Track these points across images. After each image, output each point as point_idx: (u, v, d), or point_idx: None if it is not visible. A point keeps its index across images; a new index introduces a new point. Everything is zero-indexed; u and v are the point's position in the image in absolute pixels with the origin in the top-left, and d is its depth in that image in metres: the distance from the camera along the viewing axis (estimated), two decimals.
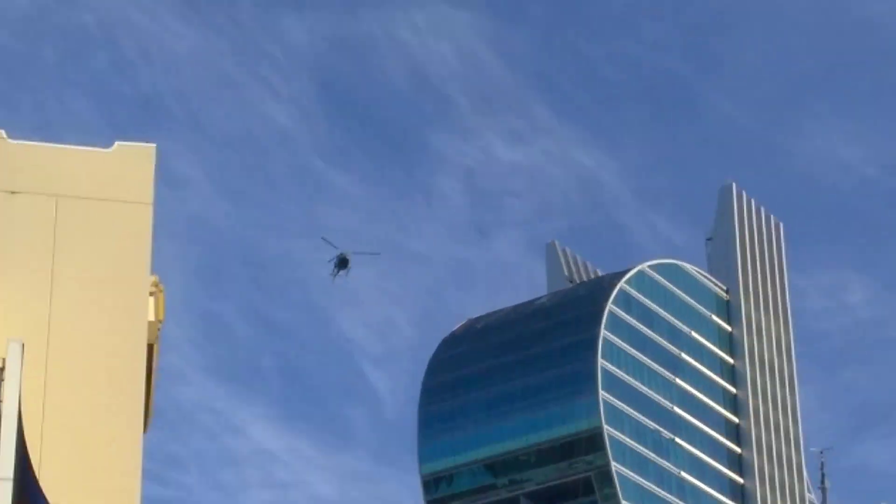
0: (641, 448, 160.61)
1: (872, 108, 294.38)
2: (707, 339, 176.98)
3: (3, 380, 38.84)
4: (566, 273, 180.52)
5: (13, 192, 41.60)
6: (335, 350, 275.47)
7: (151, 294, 42.93)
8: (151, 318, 42.84)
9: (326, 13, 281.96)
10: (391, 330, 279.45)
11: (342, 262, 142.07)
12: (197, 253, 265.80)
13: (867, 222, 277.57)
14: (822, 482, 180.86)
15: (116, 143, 43.68)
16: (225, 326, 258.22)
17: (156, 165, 43.22)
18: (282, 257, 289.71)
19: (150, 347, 43.28)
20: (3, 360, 38.79)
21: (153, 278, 43.11)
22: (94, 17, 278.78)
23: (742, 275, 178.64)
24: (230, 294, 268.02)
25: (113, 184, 42.37)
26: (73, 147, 43.73)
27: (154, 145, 43.09)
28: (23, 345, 36.25)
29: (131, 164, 42.71)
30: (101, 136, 45.98)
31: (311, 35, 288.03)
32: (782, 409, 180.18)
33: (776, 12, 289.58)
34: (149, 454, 45.73)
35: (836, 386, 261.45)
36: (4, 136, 42.99)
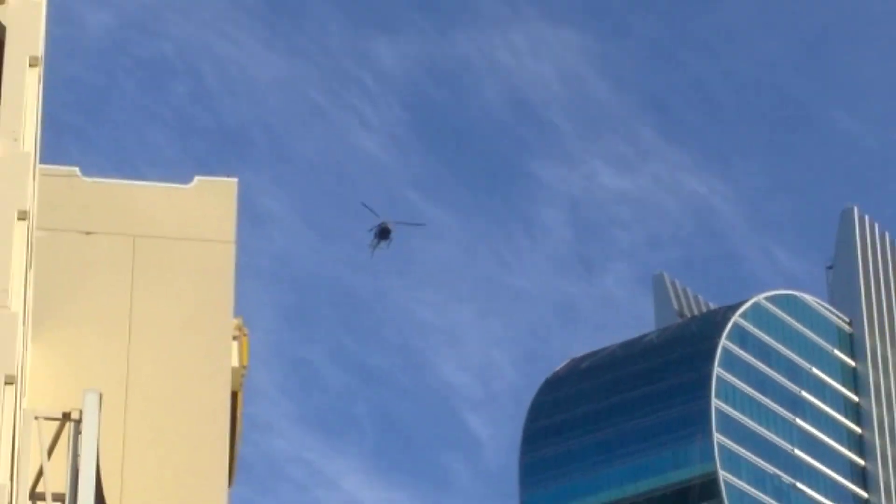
0: (760, 494, 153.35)
1: None
2: (829, 376, 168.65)
3: (79, 433, 37.39)
4: (676, 307, 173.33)
5: (88, 233, 40.25)
6: (432, 395, 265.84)
7: (235, 338, 40.99)
8: (235, 363, 40.78)
9: (418, 36, 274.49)
10: (492, 372, 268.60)
11: (384, 233, 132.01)
12: (283, 293, 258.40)
13: None
14: None
15: (196, 178, 42.21)
16: (314, 372, 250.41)
17: (238, 201, 41.92)
18: (375, 297, 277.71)
19: (235, 395, 41.38)
20: (80, 412, 38.05)
21: (237, 321, 41.24)
22: (174, 46, 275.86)
23: (866, 305, 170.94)
24: (320, 337, 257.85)
25: (193, 222, 40.78)
26: (150, 184, 42.38)
27: (236, 179, 41.60)
28: (100, 395, 34.77)
29: (212, 200, 41.14)
30: (181, 171, 44.31)
31: (402, 60, 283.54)
32: None
33: None
34: None
35: None
36: (79, 173, 42.27)
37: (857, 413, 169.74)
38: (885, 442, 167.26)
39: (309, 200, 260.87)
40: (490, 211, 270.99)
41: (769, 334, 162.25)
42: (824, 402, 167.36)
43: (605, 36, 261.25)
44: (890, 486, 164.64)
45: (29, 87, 36.17)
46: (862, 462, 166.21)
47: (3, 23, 38.52)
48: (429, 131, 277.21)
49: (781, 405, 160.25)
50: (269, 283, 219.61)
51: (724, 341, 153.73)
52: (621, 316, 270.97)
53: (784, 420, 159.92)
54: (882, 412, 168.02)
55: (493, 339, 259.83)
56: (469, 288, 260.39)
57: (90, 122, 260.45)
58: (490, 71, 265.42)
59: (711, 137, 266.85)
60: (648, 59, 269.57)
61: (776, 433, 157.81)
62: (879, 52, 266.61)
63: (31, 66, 35.69)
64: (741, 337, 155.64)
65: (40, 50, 37.44)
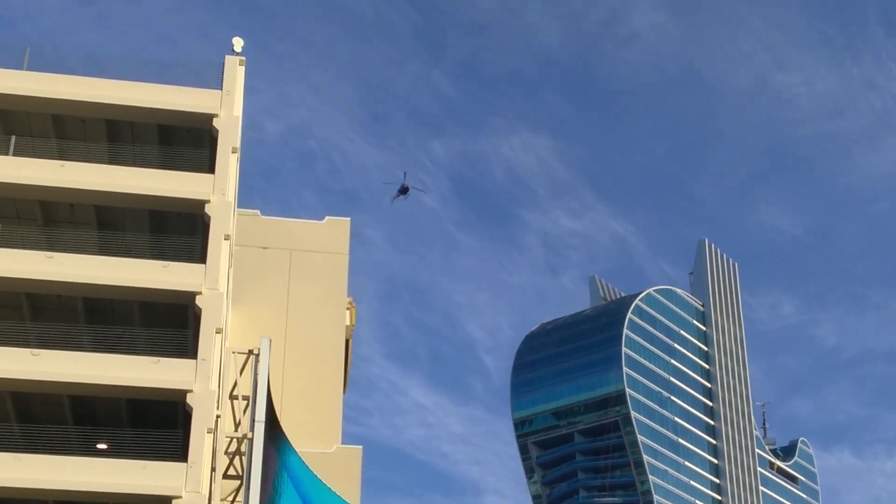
0: (650, 402, 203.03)
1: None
2: (689, 335, 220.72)
3: (258, 362, 44.04)
4: (601, 295, 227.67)
5: (264, 248, 51.26)
6: (463, 343, 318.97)
7: (347, 308, 51.51)
8: (348, 323, 51.35)
9: (457, 139, 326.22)
10: (497, 331, 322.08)
11: (404, 190, 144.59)
12: (378, 283, 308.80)
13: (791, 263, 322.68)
14: (763, 425, 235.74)
15: (327, 217, 52.92)
16: (395, 329, 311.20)
17: (351, 231, 52.94)
18: (430, 287, 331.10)
19: (347, 342, 51.43)
20: (259, 349, 44.55)
21: (349, 299, 51.74)
22: (318, 142, 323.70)
23: (711, 294, 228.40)
24: (398, 309, 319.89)
25: (324, 241, 52.01)
26: (300, 220, 53.09)
27: (349, 219, 52.98)
28: (270, 340, 45.24)
29: (335, 229, 52.48)
30: (319, 212, 56.70)
31: (448, 151, 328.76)
32: (738, 377, 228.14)
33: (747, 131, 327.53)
34: (347, 406, 52.60)
35: (775, 364, 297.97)
36: (259, 213, 52.17)
37: (706, 356, 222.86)
38: (722, 371, 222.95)
39: (393, 232, 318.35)
40: (497, 238, 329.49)
41: (655, 310, 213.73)
42: (686, 349, 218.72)
43: (563, 140, 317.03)
44: (726, 399, 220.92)
45: (231, 165, 45.20)
46: (708, 384, 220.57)
47: (217, 127, 45.00)
48: (463, 193, 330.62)
49: (661, 351, 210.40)
50: (370, 278, 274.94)
51: (629, 315, 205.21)
52: (571, 300, 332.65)
53: (663, 360, 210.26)
54: (720, 355, 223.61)
55: (497, 312, 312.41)
56: (485, 282, 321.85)
57: (268, 184, 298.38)
58: (498, 159, 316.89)
59: (626, 198, 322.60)
60: (588, 154, 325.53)
61: (657, 367, 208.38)
62: (736, 128, 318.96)
63: (232, 153, 45.25)
64: (639, 312, 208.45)
65: (238, 143, 45.90)
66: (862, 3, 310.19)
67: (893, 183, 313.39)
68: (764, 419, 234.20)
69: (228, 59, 45.58)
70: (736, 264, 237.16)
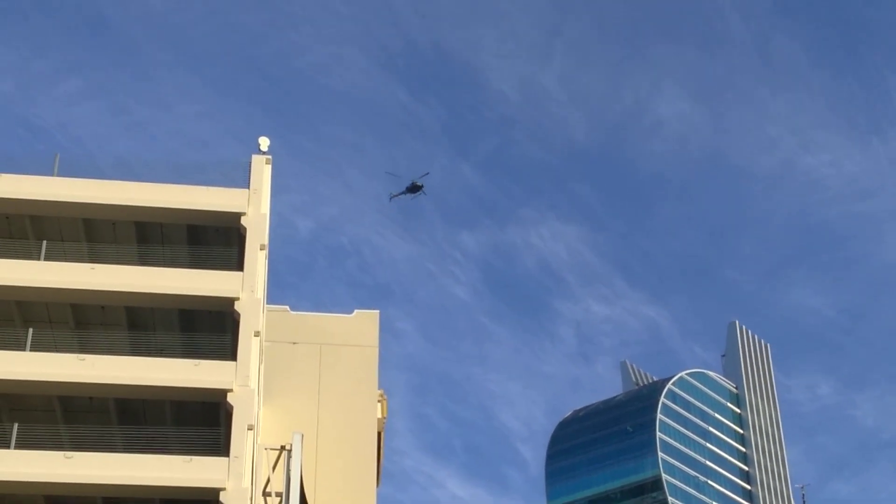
0: (687, 488, 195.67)
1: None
2: (724, 418, 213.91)
3: (290, 457, 46.61)
4: (633, 380, 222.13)
5: (294, 343, 50.82)
6: (498, 434, 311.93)
7: (379, 401, 50.79)
8: (380, 415, 50.62)
9: (487, 231, 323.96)
10: (531, 420, 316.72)
11: (415, 189, 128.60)
12: (410, 376, 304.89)
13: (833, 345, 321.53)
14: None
15: (356, 310, 52.52)
16: (428, 421, 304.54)
17: (381, 324, 52.23)
18: (464, 378, 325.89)
19: (379, 435, 50.71)
20: (291, 445, 43.86)
21: (380, 391, 51.03)
22: (348, 239, 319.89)
23: (745, 377, 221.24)
24: (432, 401, 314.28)
25: (354, 335, 51.60)
26: (330, 314, 52.99)
27: (378, 311, 52.51)
28: (302, 435, 44.56)
29: (365, 322, 51.99)
30: (349, 306, 56.41)
31: (478, 244, 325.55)
32: (776, 459, 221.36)
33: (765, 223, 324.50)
34: (382, 500, 52.06)
35: (814, 445, 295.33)
36: (289, 309, 51.72)
37: (742, 439, 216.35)
38: (759, 453, 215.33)
39: (425, 324, 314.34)
40: (529, 328, 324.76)
41: (689, 394, 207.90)
42: (722, 432, 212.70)
43: (592, 229, 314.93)
44: (764, 482, 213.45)
45: (260, 262, 45.03)
46: (746, 468, 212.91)
47: (245, 225, 44.78)
48: (494, 284, 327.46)
49: (696, 435, 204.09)
50: (402, 370, 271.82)
51: (662, 399, 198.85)
52: (605, 386, 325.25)
53: (698, 444, 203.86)
54: (756, 437, 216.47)
55: (531, 401, 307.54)
56: (518, 371, 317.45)
57: (300, 280, 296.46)
58: (528, 249, 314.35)
59: (657, 283, 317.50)
60: (618, 242, 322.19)
61: (693, 451, 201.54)
62: (746, 236, 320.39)
63: (261, 250, 45.00)
64: (672, 396, 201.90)
65: (266, 240, 45.75)
66: (885, 83, 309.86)
67: None
68: (804, 501, 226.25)
69: (255, 158, 45.88)
70: (768, 345, 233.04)
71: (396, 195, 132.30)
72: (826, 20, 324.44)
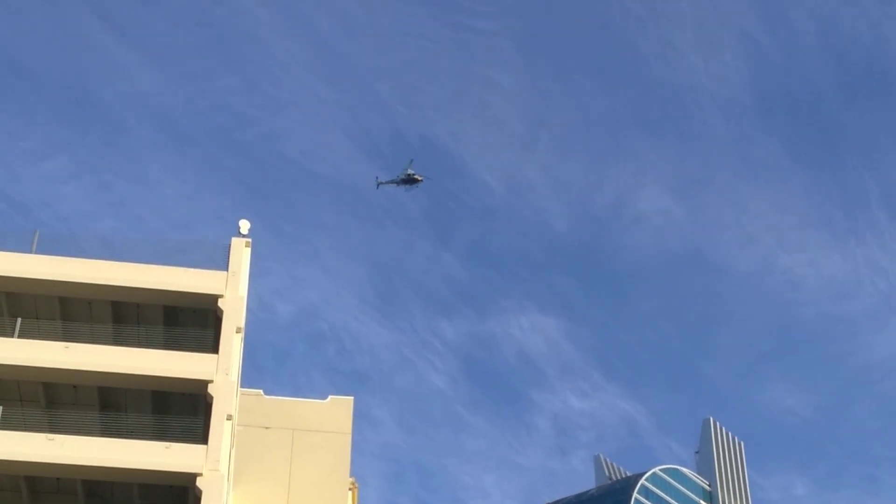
0: None
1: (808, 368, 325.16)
2: None
3: None
4: (607, 474, 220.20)
5: (267, 428, 49.97)
6: None
7: (350, 489, 49.75)
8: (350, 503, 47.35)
9: (466, 320, 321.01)
10: None
11: (411, 180, 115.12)
12: (386, 464, 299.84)
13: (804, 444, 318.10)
14: None
15: (330, 396, 51.54)
16: None
17: (355, 411, 51.08)
18: (438, 469, 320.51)
19: None
20: None
21: (352, 479, 50.00)
22: (327, 323, 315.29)
23: (717, 473, 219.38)
24: (406, 490, 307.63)
25: (327, 421, 50.59)
26: (304, 400, 51.62)
27: (352, 398, 51.44)
28: None
29: (339, 409, 51.03)
30: (324, 392, 55.09)
31: (457, 333, 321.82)
32: None
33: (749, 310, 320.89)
34: None
35: None
36: (262, 392, 50.67)
37: None
38: None
39: (402, 412, 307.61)
40: (506, 419, 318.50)
41: (661, 490, 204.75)
42: None
43: (572, 321, 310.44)
44: None
45: (235, 345, 44.05)
46: None
47: (222, 307, 43.93)
48: (472, 374, 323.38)
49: None
50: (377, 458, 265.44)
51: (635, 495, 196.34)
52: (580, 480, 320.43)
53: None
54: None
55: (506, 493, 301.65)
56: (493, 463, 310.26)
57: (277, 365, 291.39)
58: (507, 340, 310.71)
59: (635, 377, 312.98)
60: (597, 334, 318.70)
61: None
62: (734, 326, 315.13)
63: (237, 333, 44.14)
64: (645, 492, 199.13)
65: (242, 323, 45.00)
66: (864, 186, 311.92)
67: None
68: None
69: (235, 240, 45.44)
70: (742, 443, 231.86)
71: (385, 183, 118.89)
72: (806, 121, 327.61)
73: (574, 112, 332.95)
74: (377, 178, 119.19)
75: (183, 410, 43.50)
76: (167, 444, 40.95)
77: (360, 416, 49.48)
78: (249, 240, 45.79)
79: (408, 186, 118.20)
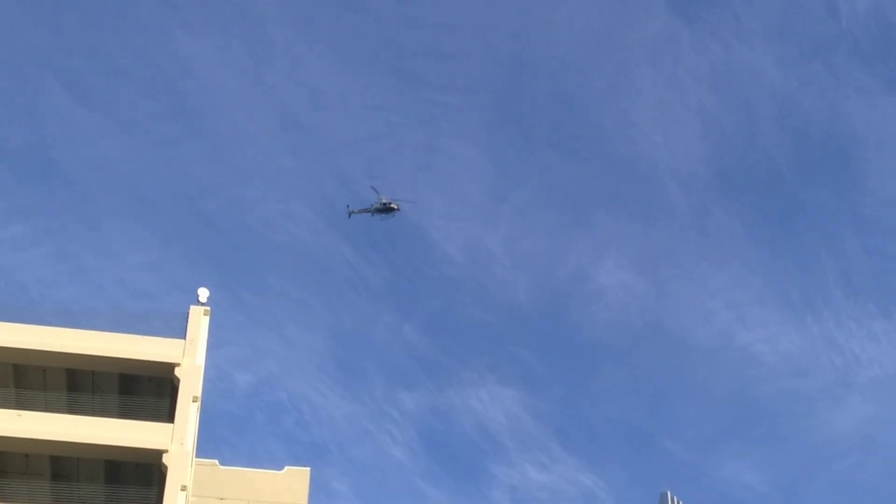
0: None
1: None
2: None
3: None
4: None
5: (222, 499, 48.77)
6: None
7: None
8: None
9: (426, 391, 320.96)
10: None
11: (387, 209, 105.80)
12: None
13: None
14: None
15: (286, 467, 50.69)
16: None
17: (312, 482, 50.23)
18: None
19: None
20: None
21: None
22: (288, 394, 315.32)
23: None
24: None
25: (283, 492, 49.71)
26: (260, 470, 50.76)
27: (308, 469, 50.73)
28: None
29: (295, 480, 50.12)
30: (280, 463, 53.80)
31: (417, 404, 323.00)
32: None
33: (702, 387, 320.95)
34: None
35: None
36: (218, 463, 49.58)
37: None
38: None
39: (360, 484, 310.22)
40: (464, 492, 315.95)
41: None
42: None
43: (532, 394, 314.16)
44: None
45: (192, 414, 43.38)
46: None
47: (179, 376, 43.39)
48: (431, 446, 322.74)
49: None
50: None
51: None
52: None
53: None
54: None
55: None
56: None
57: (235, 435, 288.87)
58: (467, 412, 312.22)
59: (594, 450, 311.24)
60: (556, 407, 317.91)
61: None
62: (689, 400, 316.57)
63: (193, 402, 43.46)
64: None
65: (199, 392, 44.10)
66: (820, 263, 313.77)
67: (856, 441, 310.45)
68: None
69: (193, 308, 44.88)
70: None
71: (358, 212, 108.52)
72: (764, 198, 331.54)
73: (537, 185, 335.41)
74: (348, 206, 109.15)
75: (137, 481, 42.85)
76: None
77: (317, 488, 48.37)
78: (208, 308, 45.22)
79: (383, 216, 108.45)
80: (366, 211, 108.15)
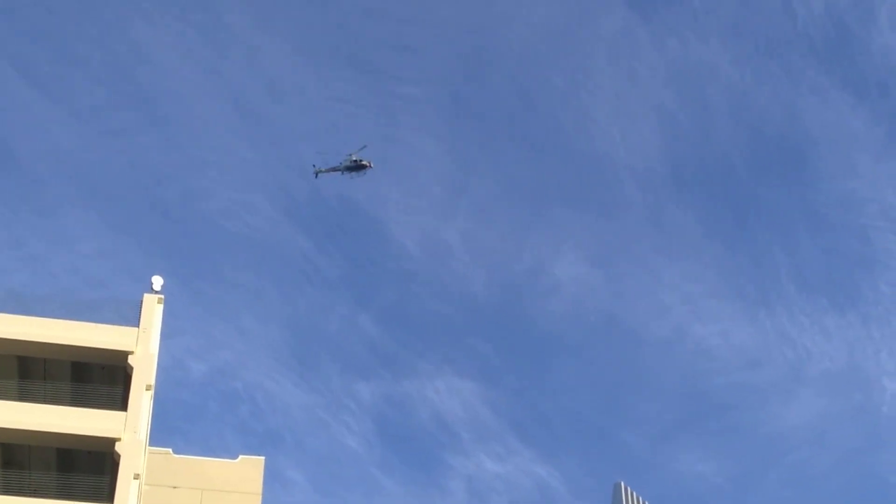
0: None
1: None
2: None
3: None
4: None
5: (174, 487, 48.92)
6: None
7: None
8: None
9: (382, 382, 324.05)
10: None
11: (359, 167, 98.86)
12: None
13: None
14: None
15: (241, 456, 50.77)
16: None
17: (266, 471, 50.34)
18: None
19: None
20: None
21: None
22: (243, 384, 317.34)
23: None
24: None
25: (236, 481, 49.78)
26: (214, 459, 50.76)
27: (263, 458, 50.80)
28: None
29: (249, 469, 50.13)
30: (234, 451, 54.01)
31: (373, 394, 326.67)
32: None
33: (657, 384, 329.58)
34: None
35: None
36: (171, 452, 49.71)
37: None
38: None
39: (315, 474, 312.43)
40: (419, 482, 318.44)
41: None
42: None
43: (488, 386, 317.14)
44: None
45: (145, 402, 43.22)
46: None
47: (132, 364, 43.26)
48: (386, 436, 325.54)
49: None
50: None
51: None
52: None
53: None
54: None
55: None
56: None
57: (189, 424, 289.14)
58: (423, 402, 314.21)
59: (549, 442, 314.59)
60: (513, 399, 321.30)
61: None
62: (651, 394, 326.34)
63: (146, 390, 43.37)
64: None
65: (153, 380, 44.15)
66: (773, 259, 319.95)
67: (808, 433, 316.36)
68: None
69: (147, 296, 44.72)
70: None
71: (325, 171, 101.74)
72: (719, 195, 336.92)
73: (495, 179, 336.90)
74: (314, 165, 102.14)
75: (90, 469, 42.72)
76: (71, 503, 40.62)
77: (272, 477, 47.90)
78: (162, 296, 45.03)
79: (353, 174, 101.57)
80: (334, 170, 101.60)
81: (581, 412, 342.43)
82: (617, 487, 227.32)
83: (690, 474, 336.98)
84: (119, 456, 40.93)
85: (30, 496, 40.72)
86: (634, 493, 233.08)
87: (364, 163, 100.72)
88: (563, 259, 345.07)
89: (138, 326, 43.77)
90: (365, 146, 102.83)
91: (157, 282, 44.81)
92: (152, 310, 44.31)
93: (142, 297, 44.71)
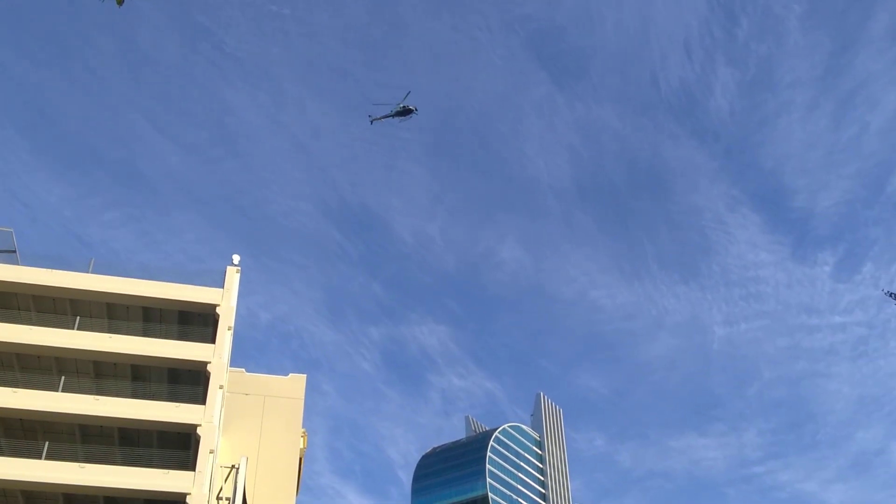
0: (504, 503, 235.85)
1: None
2: (529, 455, 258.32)
3: (238, 473, 53.06)
4: (473, 429, 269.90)
5: (246, 394, 59.52)
6: (384, 463, 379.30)
7: (302, 436, 59.30)
8: (301, 446, 59.28)
9: (386, 327, 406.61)
10: (408, 454, 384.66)
11: (405, 112, 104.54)
12: (328, 421, 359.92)
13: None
14: None
15: (290, 374, 61.82)
16: (338, 452, 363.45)
17: (307, 385, 61.50)
18: (366, 425, 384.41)
19: (301, 460, 59.05)
20: (238, 464, 53.88)
21: (303, 430, 59.53)
22: (293, 327, 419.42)
23: (545, 429, 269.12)
24: (341, 438, 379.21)
25: (287, 390, 60.49)
26: (272, 376, 61.77)
27: (305, 375, 60.87)
28: (247, 458, 53.89)
29: (296, 382, 60.69)
30: (286, 371, 66.43)
31: (380, 335, 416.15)
32: (565, 488, 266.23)
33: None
34: None
35: (591, 479, 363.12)
36: (244, 371, 60.43)
37: (542, 472, 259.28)
38: (554, 483, 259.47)
39: (341, 387, 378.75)
40: (410, 393, 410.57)
41: (509, 440, 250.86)
42: (529, 467, 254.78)
43: (456, 330, 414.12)
44: (556, 502, 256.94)
45: (227, 338, 53.27)
46: (544, 491, 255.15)
47: (219, 313, 54.52)
48: (389, 362, 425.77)
49: (512, 468, 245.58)
50: (323, 417, 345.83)
51: (491, 443, 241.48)
52: (456, 433, 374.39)
53: (514, 474, 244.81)
54: (552, 471, 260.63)
55: (408, 441, 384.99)
56: (401, 421, 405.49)
57: (259, 353, 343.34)
58: (413, 340, 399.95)
59: (495, 366, 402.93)
60: (471, 337, 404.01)
61: (510, 478, 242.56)
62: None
63: (228, 330, 54.45)
64: (498, 441, 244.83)
65: (232, 323, 54.38)
66: (643, 248, 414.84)
67: (665, 362, 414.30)
68: None
69: (229, 268, 57.71)
70: (561, 410, 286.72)
71: (379, 118, 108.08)
72: (608, 205, 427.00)
73: (461, 194, 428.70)
74: (370, 115, 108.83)
75: (189, 382, 55.83)
76: (177, 404, 53.67)
77: (311, 389, 59.26)
78: (239, 268, 57.78)
79: (402, 118, 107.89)
80: (387, 116, 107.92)
81: (516, 346, 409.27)
82: (538, 396, 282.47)
83: (586, 387, 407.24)
84: (209, 374, 53.70)
85: (150, 399, 53.62)
86: (549, 400, 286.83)
87: (411, 108, 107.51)
88: (506, 246, 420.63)
89: (223, 287, 56.55)
90: (409, 92, 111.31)
91: (236, 258, 57.83)
92: (233, 277, 56.92)
93: (225, 268, 57.65)
